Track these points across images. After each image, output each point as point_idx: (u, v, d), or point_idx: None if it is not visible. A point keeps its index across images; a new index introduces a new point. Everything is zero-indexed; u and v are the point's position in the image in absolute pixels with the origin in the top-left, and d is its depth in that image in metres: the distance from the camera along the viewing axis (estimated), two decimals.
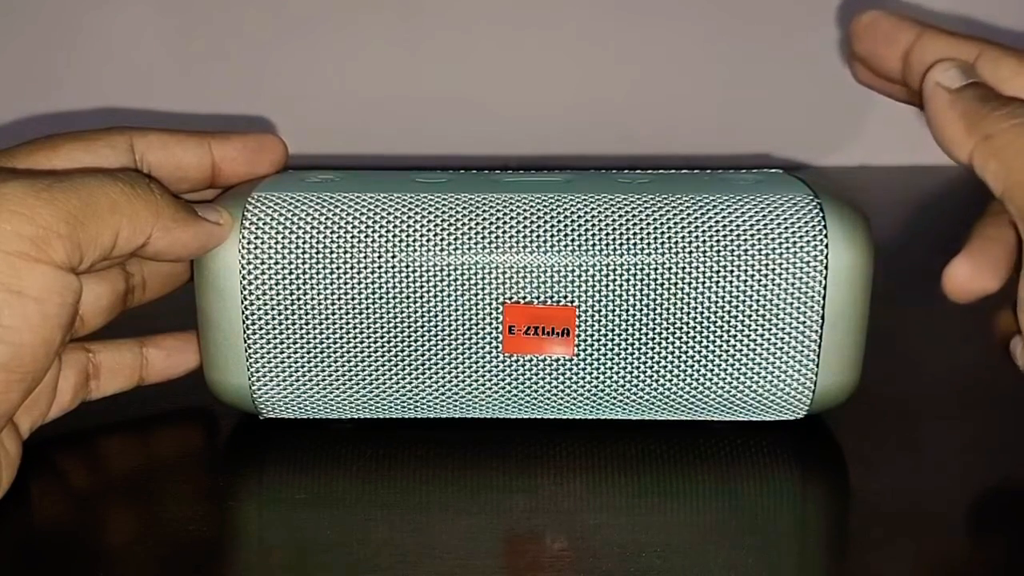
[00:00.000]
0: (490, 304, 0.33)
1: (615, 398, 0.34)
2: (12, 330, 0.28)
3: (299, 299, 0.33)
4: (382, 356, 0.34)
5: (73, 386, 0.35)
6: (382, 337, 0.34)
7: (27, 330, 0.28)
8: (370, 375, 0.34)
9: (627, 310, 0.33)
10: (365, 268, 0.33)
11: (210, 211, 0.33)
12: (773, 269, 0.33)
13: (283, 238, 0.33)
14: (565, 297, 0.33)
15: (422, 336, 0.34)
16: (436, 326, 0.33)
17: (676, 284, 0.33)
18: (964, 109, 0.30)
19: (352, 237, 0.33)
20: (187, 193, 0.35)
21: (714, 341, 0.33)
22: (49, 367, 0.30)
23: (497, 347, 0.34)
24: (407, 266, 0.33)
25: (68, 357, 0.34)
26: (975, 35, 0.32)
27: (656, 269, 0.33)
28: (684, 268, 0.33)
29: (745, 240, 0.33)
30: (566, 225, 0.33)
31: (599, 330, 0.33)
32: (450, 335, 0.33)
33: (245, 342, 0.34)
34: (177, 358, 0.37)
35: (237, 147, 0.35)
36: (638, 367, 0.34)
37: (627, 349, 0.34)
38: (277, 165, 0.36)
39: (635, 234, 0.33)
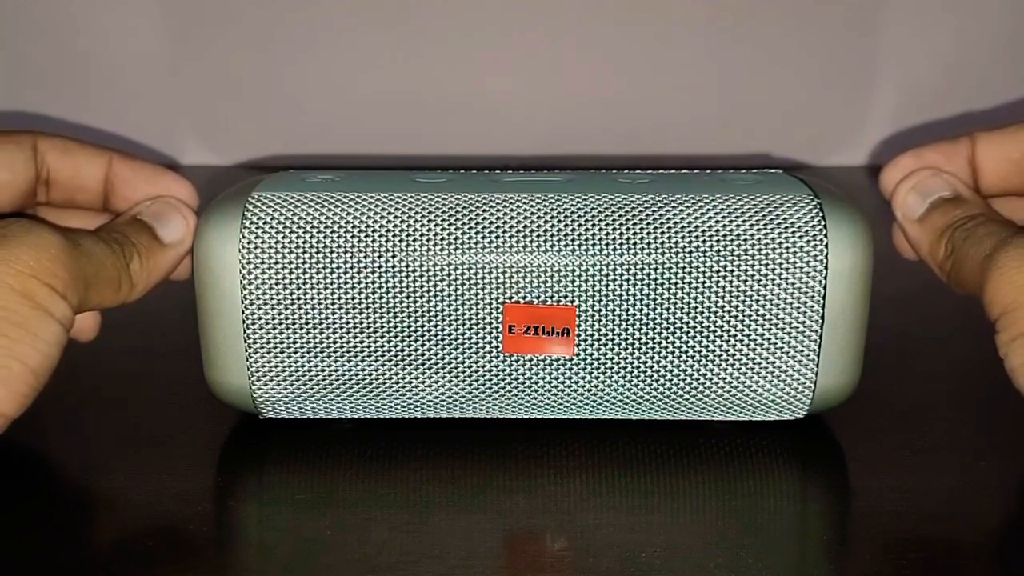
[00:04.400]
0: (490, 304, 0.33)
1: (615, 398, 0.34)
2: (43, 342, 0.30)
3: (299, 299, 0.33)
4: (382, 356, 0.34)
5: None
6: (382, 337, 0.34)
7: (54, 344, 0.30)
8: (370, 375, 0.34)
9: (627, 310, 0.33)
10: (365, 268, 0.33)
11: (169, 227, 0.35)
12: (773, 269, 0.33)
13: (283, 238, 0.33)
14: (565, 297, 0.33)
15: (422, 336, 0.34)
16: (436, 326, 0.33)
17: (676, 284, 0.33)
18: (927, 249, 0.34)
19: (352, 237, 0.33)
20: (83, 209, 0.36)
21: (714, 341, 0.33)
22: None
23: (497, 347, 0.34)
24: (407, 266, 0.33)
25: None
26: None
27: (656, 269, 0.33)
28: (684, 268, 0.33)
29: (745, 240, 0.33)
30: (566, 225, 0.33)
31: (599, 330, 0.33)
32: (450, 335, 0.33)
33: (245, 342, 0.34)
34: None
35: (135, 168, 0.36)
36: (638, 367, 0.34)
37: (627, 349, 0.34)
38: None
39: (635, 234, 0.33)
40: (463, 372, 0.34)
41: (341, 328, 0.34)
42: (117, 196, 0.36)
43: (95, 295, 0.32)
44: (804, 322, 0.33)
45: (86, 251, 0.32)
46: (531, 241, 0.33)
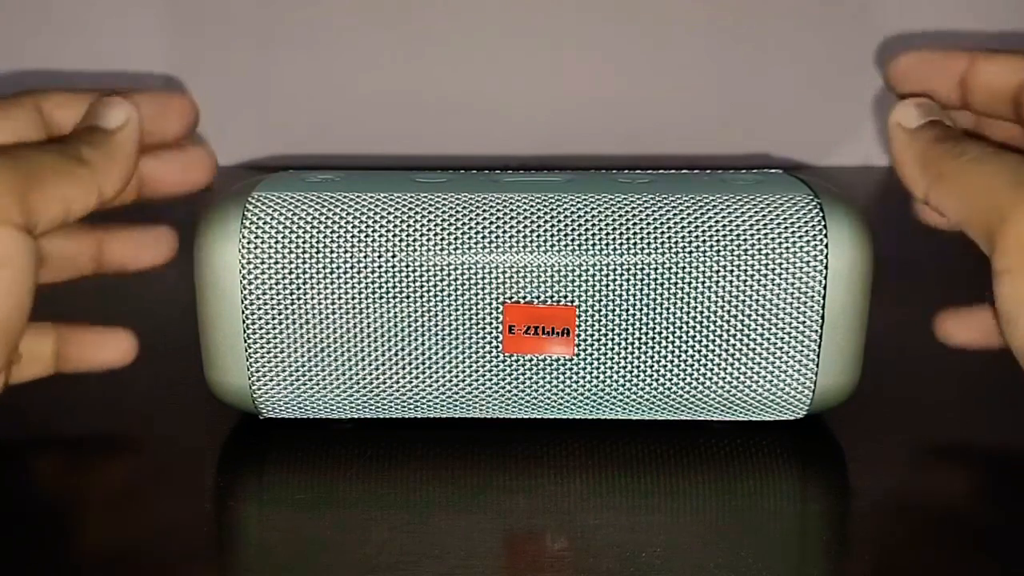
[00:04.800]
0: (490, 304, 0.33)
1: (615, 398, 0.34)
2: None
3: (299, 299, 0.33)
4: (382, 356, 0.34)
5: None
6: (382, 337, 0.34)
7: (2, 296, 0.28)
8: (370, 375, 0.34)
9: (627, 310, 0.33)
10: (365, 268, 0.33)
11: (109, 115, 0.33)
12: (773, 269, 0.33)
13: (283, 238, 0.33)
14: (565, 297, 0.33)
15: (422, 336, 0.34)
16: (436, 326, 0.33)
17: (676, 284, 0.33)
18: (919, 149, 0.32)
19: (352, 237, 0.33)
20: None
21: (714, 341, 0.33)
22: (22, 333, 0.29)
23: (497, 347, 0.34)
24: (407, 266, 0.33)
25: None
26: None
27: (656, 269, 0.33)
28: (684, 268, 0.33)
29: (745, 240, 0.33)
30: (566, 225, 0.33)
31: (599, 330, 0.33)
32: (450, 335, 0.33)
33: (245, 342, 0.34)
34: (91, 353, 0.36)
35: (138, 101, 0.34)
36: (638, 367, 0.34)
37: (627, 349, 0.34)
38: (184, 127, 0.36)
39: (635, 234, 0.33)
40: (463, 372, 0.34)
41: (341, 328, 0.34)
42: None
43: (53, 197, 0.29)
44: (804, 322, 0.33)
45: (9, 155, 0.29)
46: (531, 241, 0.33)
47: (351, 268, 0.33)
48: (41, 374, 0.35)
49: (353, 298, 0.33)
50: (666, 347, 0.33)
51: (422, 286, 0.33)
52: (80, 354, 0.36)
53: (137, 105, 0.34)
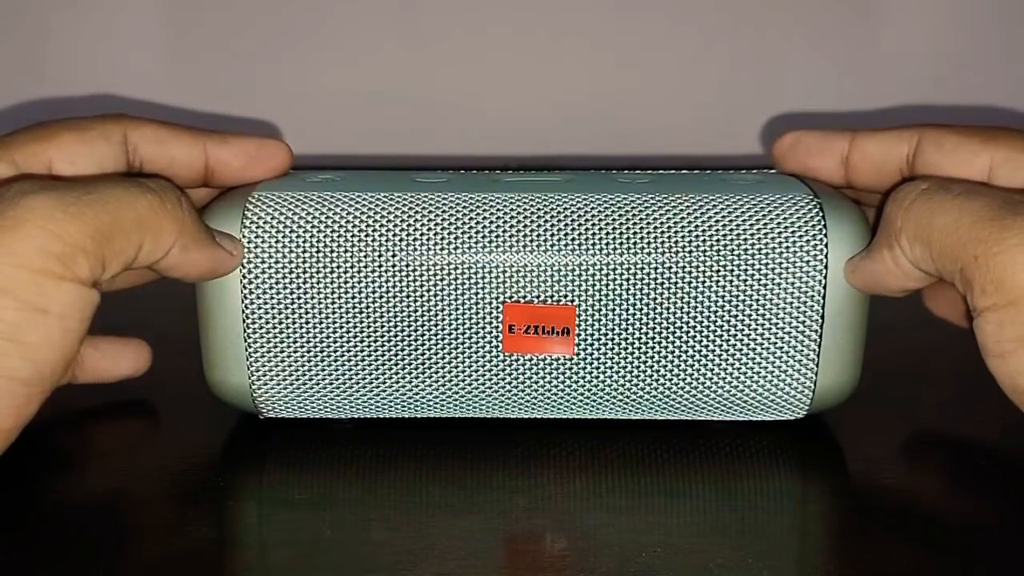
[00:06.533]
0: (490, 303, 0.33)
1: (615, 398, 0.34)
2: (35, 347, 0.28)
3: (299, 299, 0.33)
4: (382, 356, 0.34)
5: None
6: (382, 336, 0.34)
7: (48, 347, 0.28)
8: (370, 375, 0.34)
9: (627, 310, 0.33)
10: (365, 267, 0.33)
11: (227, 239, 0.33)
12: (773, 269, 0.33)
13: (283, 237, 0.33)
14: (565, 296, 0.33)
15: (422, 335, 0.34)
16: (436, 325, 0.33)
17: (676, 284, 0.33)
18: (868, 260, 0.32)
19: (352, 236, 0.33)
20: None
21: (714, 341, 0.33)
22: (61, 378, 0.30)
23: (497, 346, 0.34)
24: (407, 265, 0.33)
25: None
26: (907, 124, 0.34)
27: (656, 269, 0.33)
28: (684, 268, 0.33)
29: (745, 240, 0.33)
30: (566, 224, 0.33)
31: (599, 330, 0.33)
32: (450, 334, 0.33)
33: (245, 342, 0.34)
34: (110, 363, 0.36)
35: (233, 151, 0.35)
36: (638, 367, 0.34)
37: (627, 349, 0.34)
38: (277, 171, 0.35)
39: (635, 234, 0.33)
40: (463, 372, 0.34)
41: (341, 328, 0.34)
42: (217, 177, 0.35)
43: (130, 242, 0.29)
44: (804, 322, 0.33)
45: (101, 199, 0.28)
46: (531, 241, 0.33)
47: (351, 268, 0.33)
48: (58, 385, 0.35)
49: (353, 298, 0.33)
50: (666, 347, 0.33)
51: (422, 286, 0.33)
52: (97, 366, 0.36)
53: (233, 152, 0.34)
